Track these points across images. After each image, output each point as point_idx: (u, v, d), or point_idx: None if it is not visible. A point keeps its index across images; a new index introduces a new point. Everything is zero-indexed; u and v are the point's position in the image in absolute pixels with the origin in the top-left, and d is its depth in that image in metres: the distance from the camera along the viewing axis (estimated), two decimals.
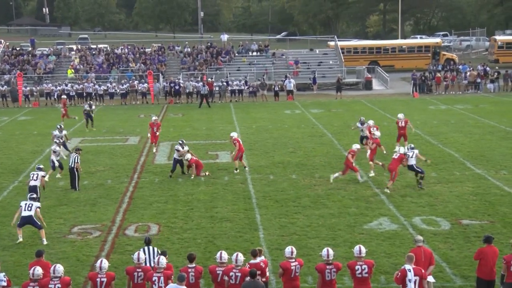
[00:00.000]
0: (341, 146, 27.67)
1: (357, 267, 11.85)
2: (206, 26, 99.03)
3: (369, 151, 23.09)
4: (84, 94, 44.49)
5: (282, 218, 18.27)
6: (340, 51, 54.01)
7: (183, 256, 14.78)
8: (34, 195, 17.37)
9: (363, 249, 12.03)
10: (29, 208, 16.59)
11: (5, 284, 11.63)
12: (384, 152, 25.38)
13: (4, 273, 11.83)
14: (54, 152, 23.36)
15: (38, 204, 16.99)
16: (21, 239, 16.50)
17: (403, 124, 26.52)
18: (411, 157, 20.89)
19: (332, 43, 57.88)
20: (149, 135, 27.98)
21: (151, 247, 13.20)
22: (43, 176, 20.25)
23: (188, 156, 23.13)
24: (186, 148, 23.19)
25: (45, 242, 16.36)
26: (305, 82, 49.42)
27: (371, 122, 26.44)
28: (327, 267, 11.89)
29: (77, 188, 21.47)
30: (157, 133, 27.50)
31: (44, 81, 48.07)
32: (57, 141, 24.79)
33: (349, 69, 52.09)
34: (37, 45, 59.62)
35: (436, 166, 23.47)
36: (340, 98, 44.26)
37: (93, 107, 34.58)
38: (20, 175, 23.46)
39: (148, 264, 12.77)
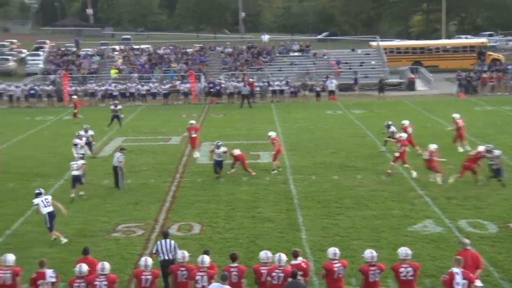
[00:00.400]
0: (385, 147, 27.33)
1: (402, 269, 11.69)
2: (247, 27, 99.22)
3: (397, 154, 22.80)
4: (127, 94, 45.01)
5: (324, 219, 18.16)
6: (383, 51, 53.49)
7: (226, 255, 14.78)
8: (37, 191, 17.20)
9: (409, 251, 11.86)
10: (48, 203, 16.75)
11: (54, 280, 11.84)
12: (420, 152, 25.12)
13: (53, 270, 12.04)
14: (75, 145, 23.29)
15: (49, 196, 17.17)
16: (65, 239, 16.66)
17: (462, 124, 26.31)
18: (494, 159, 20.66)
19: (374, 43, 57.38)
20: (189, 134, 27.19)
21: (168, 240, 13.37)
22: (84, 164, 20.85)
23: (237, 151, 23.16)
24: (222, 149, 23.09)
25: (58, 239, 16.67)
26: (346, 83, 49.06)
27: (406, 122, 26.15)
28: (371, 268, 11.77)
29: (121, 187, 21.69)
30: (195, 135, 26.47)
31: (88, 81, 48.79)
32: (80, 133, 24.83)
33: (392, 70, 51.54)
34: (81, 45, 60.57)
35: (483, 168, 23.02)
36: (383, 98, 43.83)
37: (118, 107, 34.85)
38: (65, 174, 23.78)
39: (164, 257, 12.89)
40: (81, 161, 21.05)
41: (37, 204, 16.72)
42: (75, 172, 20.48)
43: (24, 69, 60.28)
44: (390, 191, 20.67)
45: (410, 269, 11.69)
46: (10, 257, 12.07)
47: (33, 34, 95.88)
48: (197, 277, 11.67)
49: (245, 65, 51.14)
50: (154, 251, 13.54)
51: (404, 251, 11.89)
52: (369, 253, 11.87)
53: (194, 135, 26.59)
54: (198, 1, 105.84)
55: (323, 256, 14.31)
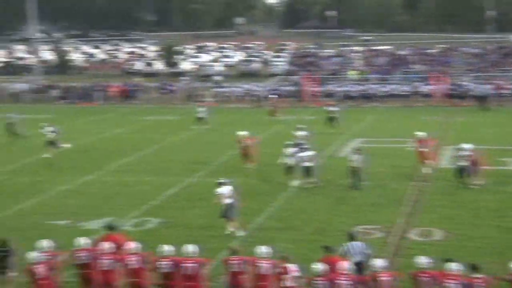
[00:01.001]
0: None
1: None
2: (496, 26, 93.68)
3: None
4: (367, 96, 45.08)
5: None
6: None
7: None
8: (219, 181, 17.47)
9: None
10: (230, 195, 17.00)
11: (298, 274, 12.02)
12: None
13: (296, 264, 12.22)
14: (285, 156, 22.74)
15: (230, 187, 17.30)
16: (243, 232, 16.92)
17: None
18: None
19: None
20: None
21: (357, 242, 13.20)
22: (316, 155, 21.83)
23: (467, 145, 21.78)
24: (465, 153, 21.60)
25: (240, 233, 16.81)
26: None
27: None
28: None
29: (359, 187, 21.60)
30: (425, 150, 23.55)
31: (328, 82, 49.69)
32: (289, 142, 23.63)
33: None
34: (322, 47, 62.01)
35: None
36: None
37: (333, 108, 34.43)
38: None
39: (356, 259, 12.62)
40: (312, 152, 21.66)
41: (221, 193, 17.11)
42: (306, 164, 21.22)
43: (268, 70, 63.20)
44: None
45: None
46: (266, 250, 12.50)
47: (277, 37, 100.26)
48: (446, 284, 11.26)
49: (493, 67, 48.38)
50: (343, 254, 13.03)
51: None
52: None
53: (422, 149, 23.75)
54: (443, 0, 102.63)
55: None
